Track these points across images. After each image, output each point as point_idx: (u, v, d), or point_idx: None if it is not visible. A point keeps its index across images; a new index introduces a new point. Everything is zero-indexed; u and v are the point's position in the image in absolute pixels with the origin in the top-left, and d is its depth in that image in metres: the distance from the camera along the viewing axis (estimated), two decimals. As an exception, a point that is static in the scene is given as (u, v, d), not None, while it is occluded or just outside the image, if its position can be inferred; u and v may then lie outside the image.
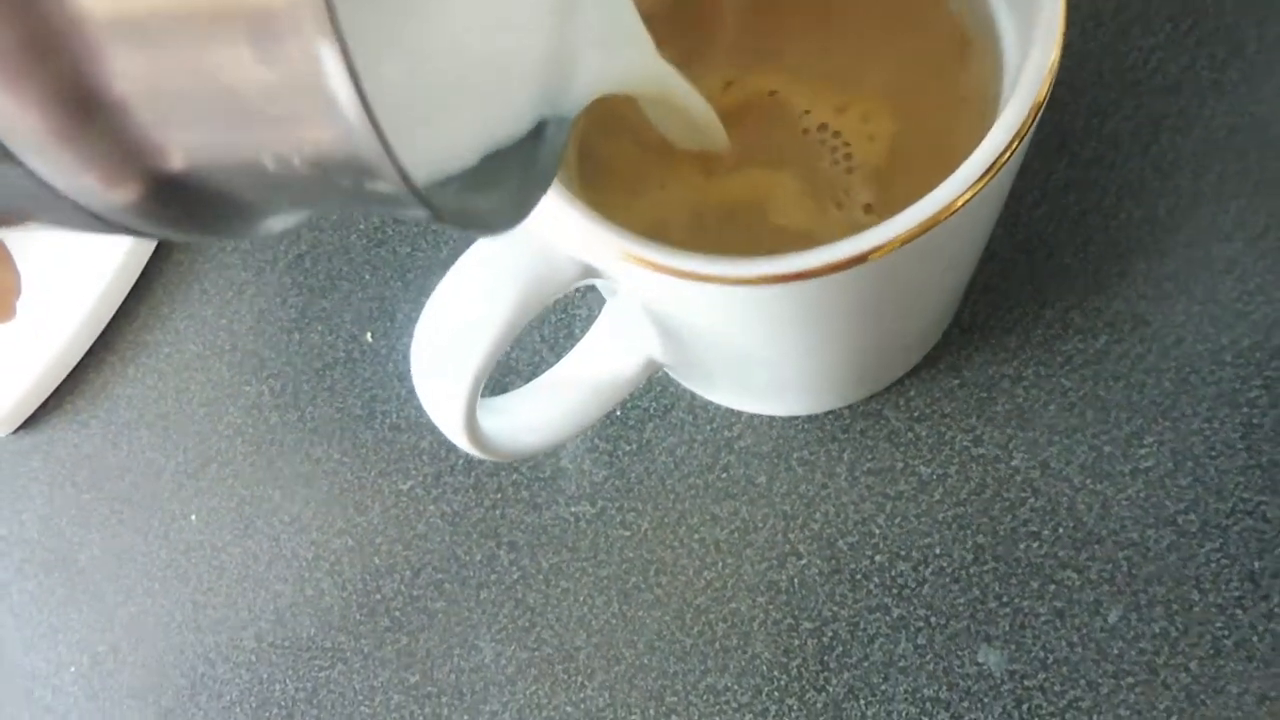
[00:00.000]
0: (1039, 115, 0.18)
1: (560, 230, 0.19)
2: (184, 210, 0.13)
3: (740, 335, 0.23)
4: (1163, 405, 0.27)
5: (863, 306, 0.21)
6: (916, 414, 0.28)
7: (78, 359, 0.34)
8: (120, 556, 0.32)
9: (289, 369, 0.32)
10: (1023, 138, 0.18)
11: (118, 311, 0.34)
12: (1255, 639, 0.26)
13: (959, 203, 0.18)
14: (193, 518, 0.32)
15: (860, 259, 0.18)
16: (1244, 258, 0.28)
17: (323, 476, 0.31)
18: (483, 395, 0.26)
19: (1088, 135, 0.29)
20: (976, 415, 0.28)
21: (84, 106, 0.12)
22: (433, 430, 0.31)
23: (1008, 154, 0.18)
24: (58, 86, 0.11)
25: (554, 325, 0.31)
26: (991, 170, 0.18)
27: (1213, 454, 0.27)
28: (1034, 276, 0.29)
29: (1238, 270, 0.28)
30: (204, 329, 0.33)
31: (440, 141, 0.14)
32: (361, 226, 0.33)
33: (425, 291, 0.32)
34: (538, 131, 0.17)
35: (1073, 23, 0.31)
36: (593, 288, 0.26)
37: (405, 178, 0.12)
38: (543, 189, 0.18)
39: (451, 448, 0.30)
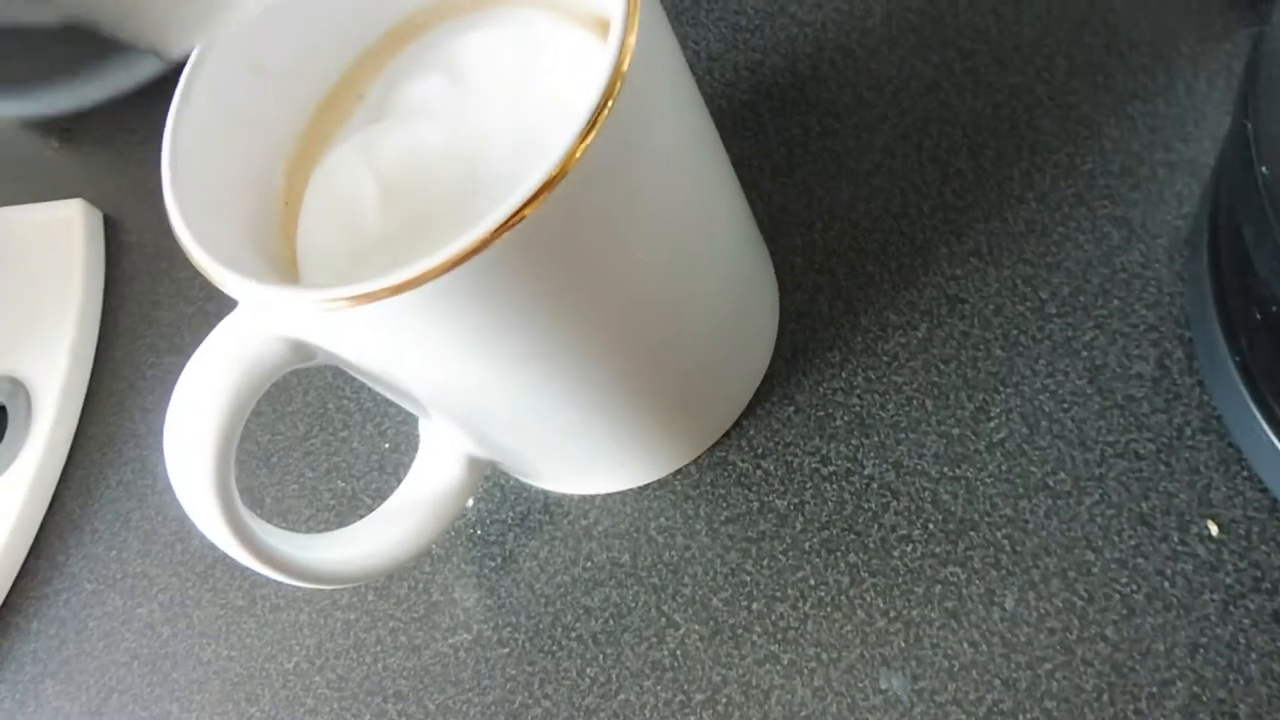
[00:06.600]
0: (621, 81, 0.18)
1: (259, 308, 0.20)
2: None
3: (483, 366, 0.21)
4: (999, 374, 0.26)
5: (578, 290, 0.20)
6: (760, 451, 0.27)
7: (-16, 628, 0.34)
8: (26, 812, 0.31)
9: (175, 580, 0.32)
10: (613, 96, 0.18)
11: (19, 571, 0.34)
12: (1167, 585, 0.23)
13: (576, 153, 0.18)
14: (97, 755, 0.31)
15: (516, 218, 0.18)
16: (1039, 215, 0.28)
17: (214, 677, 0.30)
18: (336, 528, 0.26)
19: (860, 152, 0.30)
20: (819, 436, 0.27)
21: None
22: (309, 601, 0.30)
23: (604, 110, 0.18)
24: None
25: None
26: (592, 124, 0.18)
27: (1064, 407, 0.25)
28: (842, 292, 0.28)
29: (1038, 228, 0.28)
30: (96, 565, 0.34)
31: None
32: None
33: (288, 472, 0.32)
34: None
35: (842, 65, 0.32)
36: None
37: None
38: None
39: (329, 614, 0.30)
